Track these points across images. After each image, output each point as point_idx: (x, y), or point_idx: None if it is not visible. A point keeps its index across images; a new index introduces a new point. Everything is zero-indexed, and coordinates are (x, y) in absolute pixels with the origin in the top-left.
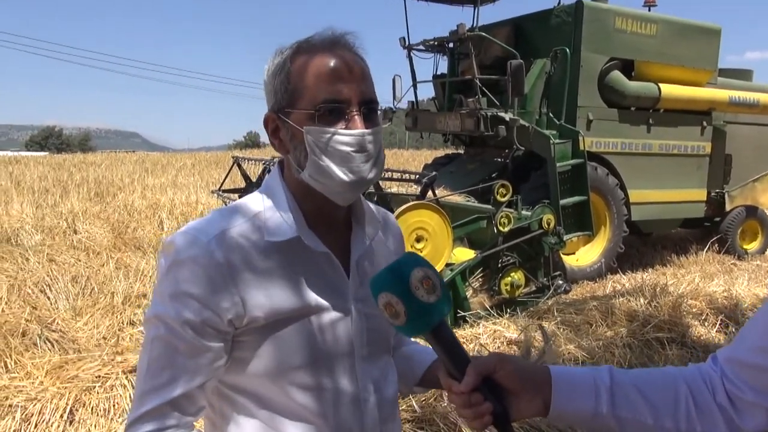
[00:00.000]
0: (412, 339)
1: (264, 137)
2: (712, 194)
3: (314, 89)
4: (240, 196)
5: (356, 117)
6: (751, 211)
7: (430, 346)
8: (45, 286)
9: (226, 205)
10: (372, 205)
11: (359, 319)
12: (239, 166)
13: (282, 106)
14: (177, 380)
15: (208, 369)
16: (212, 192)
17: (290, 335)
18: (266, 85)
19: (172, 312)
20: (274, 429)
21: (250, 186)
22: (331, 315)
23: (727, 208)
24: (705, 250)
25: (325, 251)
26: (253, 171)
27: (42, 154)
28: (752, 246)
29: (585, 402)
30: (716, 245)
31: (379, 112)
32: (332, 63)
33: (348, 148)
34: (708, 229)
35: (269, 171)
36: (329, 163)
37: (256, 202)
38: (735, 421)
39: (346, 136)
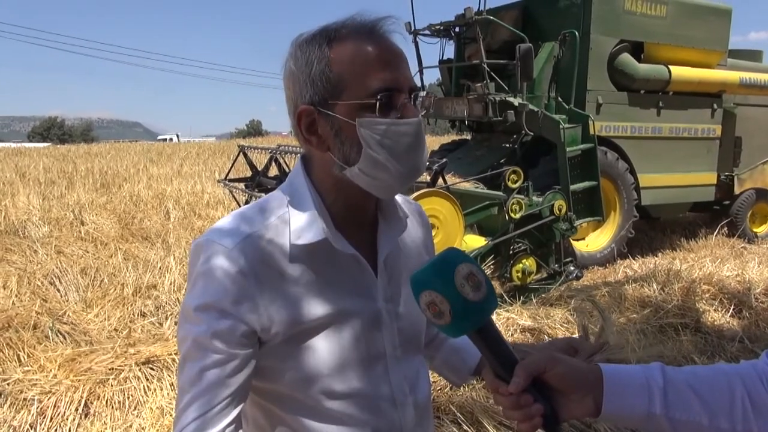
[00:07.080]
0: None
1: (268, 125)
2: (722, 177)
3: (366, 77)
4: (246, 185)
5: (408, 105)
6: (762, 194)
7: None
8: (54, 278)
9: (232, 194)
10: (400, 198)
11: (390, 320)
12: (245, 155)
13: (324, 98)
14: (208, 393)
15: (238, 378)
16: (218, 181)
17: (319, 344)
18: (294, 75)
19: (198, 328)
20: None
21: (257, 175)
22: (361, 319)
23: (737, 191)
24: (715, 234)
25: (353, 253)
26: (259, 160)
27: (45, 145)
28: (762, 229)
29: (637, 402)
30: (726, 229)
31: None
32: (380, 49)
33: (407, 139)
34: (717, 213)
35: (276, 160)
36: (387, 155)
37: (281, 201)
38: None
39: (404, 125)
